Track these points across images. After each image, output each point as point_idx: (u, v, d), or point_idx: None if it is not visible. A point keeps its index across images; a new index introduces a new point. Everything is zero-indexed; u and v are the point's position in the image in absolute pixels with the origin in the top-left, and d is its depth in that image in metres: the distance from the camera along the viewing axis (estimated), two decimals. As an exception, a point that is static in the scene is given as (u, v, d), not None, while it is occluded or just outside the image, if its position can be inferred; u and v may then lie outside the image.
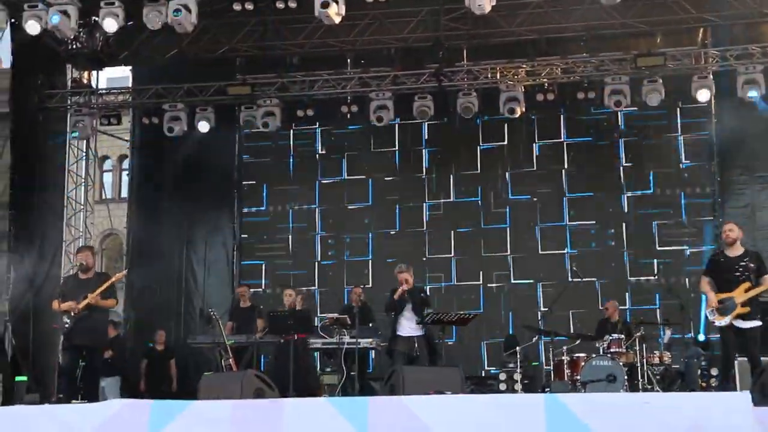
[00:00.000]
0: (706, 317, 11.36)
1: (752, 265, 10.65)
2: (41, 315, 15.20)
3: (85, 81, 17.91)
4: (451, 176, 17.45)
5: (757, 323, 10.64)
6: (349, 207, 17.67)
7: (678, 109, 16.77)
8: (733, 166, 16.21)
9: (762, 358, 10.63)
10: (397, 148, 17.77)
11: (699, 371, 13.35)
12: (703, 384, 13.19)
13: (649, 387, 12.29)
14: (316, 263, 17.56)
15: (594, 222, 16.87)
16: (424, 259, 16.96)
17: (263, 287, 17.38)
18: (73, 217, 17.79)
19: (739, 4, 15.61)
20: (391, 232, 17.46)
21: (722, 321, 10.70)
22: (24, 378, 13.86)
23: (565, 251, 16.73)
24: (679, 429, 7.38)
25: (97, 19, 14.75)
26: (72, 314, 11.26)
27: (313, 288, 17.07)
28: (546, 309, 14.74)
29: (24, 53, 16.34)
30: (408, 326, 12.34)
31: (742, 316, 10.59)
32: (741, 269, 10.64)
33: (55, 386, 12.80)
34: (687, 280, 15.98)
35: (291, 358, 11.95)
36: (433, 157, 17.65)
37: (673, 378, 13.32)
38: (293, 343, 12.33)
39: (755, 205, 16.06)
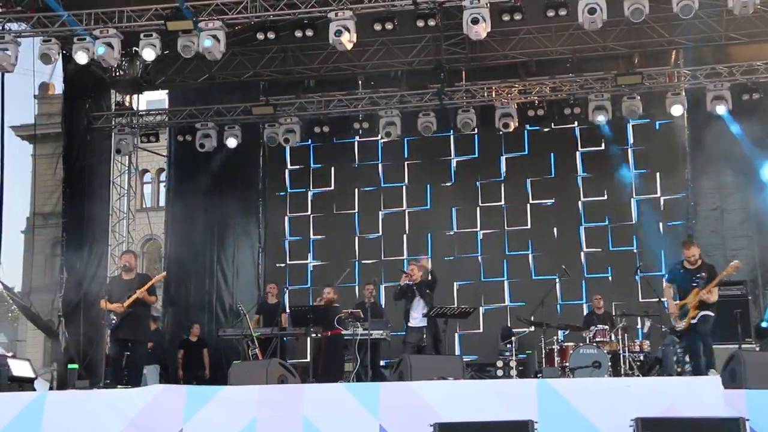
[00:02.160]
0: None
1: (705, 275, 10.99)
2: (90, 311, 15.28)
3: (127, 104, 18.04)
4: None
5: (708, 313, 11.04)
6: (361, 213, 17.63)
7: (655, 121, 16.71)
8: (703, 173, 16.16)
9: (722, 346, 10.79)
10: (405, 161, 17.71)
11: (675, 358, 13.28)
12: (678, 369, 13.11)
13: (630, 372, 12.27)
14: (330, 264, 17.49)
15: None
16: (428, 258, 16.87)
17: (286, 285, 17.36)
18: (117, 224, 17.86)
19: (707, 28, 15.58)
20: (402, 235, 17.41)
21: (680, 325, 11.25)
22: (75, 366, 13.93)
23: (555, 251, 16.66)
24: (657, 409, 7.38)
25: (137, 49, 14.83)
26: (118, 312, 11.31)
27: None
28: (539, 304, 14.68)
29: (74, 80, 16.50)
30: (417, 317, 12.31)
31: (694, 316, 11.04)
32: (697, 280, 10.98)
33: (103, 374, 12.80)
34: (664, 277, 15.93)
35: (321, 350, 11.96)
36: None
37: (652, 364, 13.28)
38: (326, 337, 12.38)
39: (724, 208, 16.01)
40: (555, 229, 16.86)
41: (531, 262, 16.80)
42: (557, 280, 15.34)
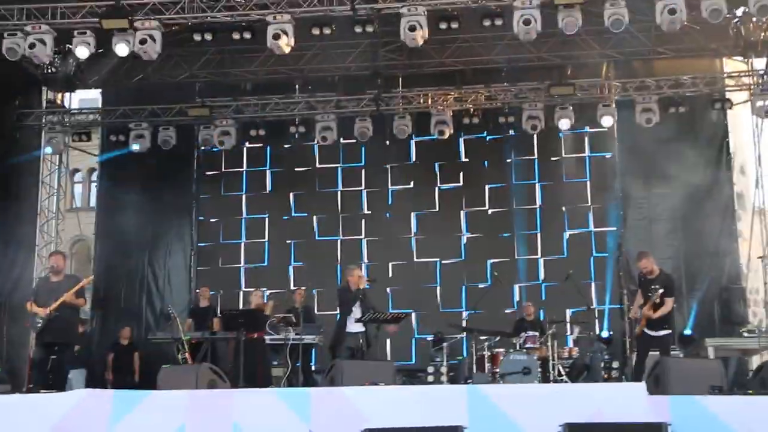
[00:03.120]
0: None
1: (658, 287, 11.02)
2: (14, 313, 14.89)
3: (58, 102, 17.70)
4: (389, 191, 17.40)
5: (666, 332, 11.12)
6: (295, 216, 17.53)
7: (586, 132, 16.94)
8: (633, 182, 16.44)
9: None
10: (340, 164, 17.68)
11: (602, 364, 13.50)
12: (606, 375, 13.33)
13: (559, 378, 12.39)
14: (265, 268, 17.39)
15: (512, 234, 16.91)
16: (363, 263, 16.88)
17: (218, 289, 17.15)
18: (46, 224, 17.48)
19: (637, 42, 15.88)
20: (334, 239, 17.34)
21: (636, 330, 11.31)
22: (-3, 370, 13.60)
23: (487, 260, 16.78)
24: (585, 415, 7.46)
25: (70, 46, 14.50)
26: (44, 315, 11.02)
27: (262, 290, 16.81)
28: (471, 311, 14.76)
29: (3, 76, 16.01)
30: (354, 323, 12.24)
31: (651, 326, 11.05)
32: (652, 290, 11.03)
33: (27, 377, 12.49)
34: (593, 284, 16.17)
35: (242, 354, 11.82)
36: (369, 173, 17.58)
37: (580, 370, 13.45)
38: (250, 340, 12.23)
39: (652, 217, 16.32)
40: (487, 236, 16.94)
41: (464, 268, 16.85)
42: (489, 286, 15.44)
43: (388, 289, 16.62)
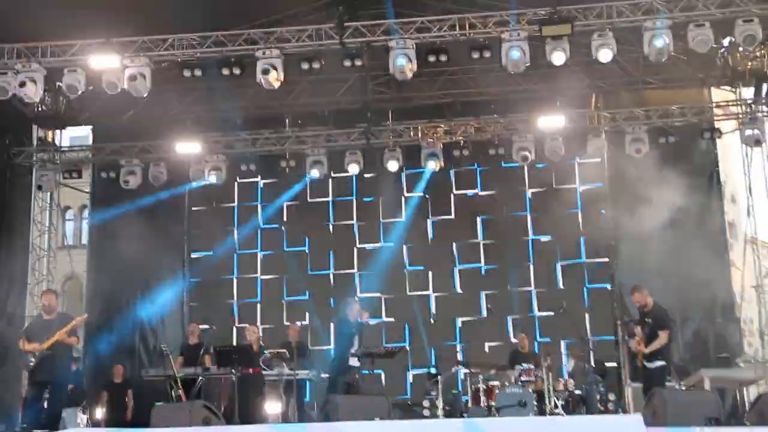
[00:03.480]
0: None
1: (650, 320, 11.20)
2: (7, 352, 14.78)
3: (49, 139, 17.71)
4: (380, 224, 17.42)
5: (659, 363, 11.19)
6: (287, 251, 17.50)
7: (576, 163, 17.00)
8: (624, 213, 16.45)
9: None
10: (330, 198, 17.69)
11: (598, 396, 13.41)
12: (602, 408, 13.24)
13: (556, 411, 12.31)
14: (258, 303, 17.34)
15: (501, 266, 16.92)
16: (357, 297, 16.83)
17: (210, 325, 17.06)
18: (37, 261, 17.42)
19: (625, 73, 16.02)
20: (326, 273, 17.32)
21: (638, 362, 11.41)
22: (-10, 409, 13.48)
23: (480, 291, 16.77)
24: (581, 448, 7.44)
25: (60, 84, 14.56)
26: (37, 353, 10.94)
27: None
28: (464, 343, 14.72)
29: (-6, 115, 16.08)
30: (352, 358, 12.19)
31: (647, 358, 11.15)
32: (645, 323, 11.21)
33: (19, 417, 12.37)
34: (587, 315, 16.15)
35: (237, 390, 11.74)
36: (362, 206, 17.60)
37: (576, 402, 13.37)
38: (246, 376, 12.16)
39: (643, 248, 16.26)
40: (482, 269, 16.93)
41: (457, 301, 16.83)
42: (486, 317, 15.41)
43: (384, 323, 16.59)
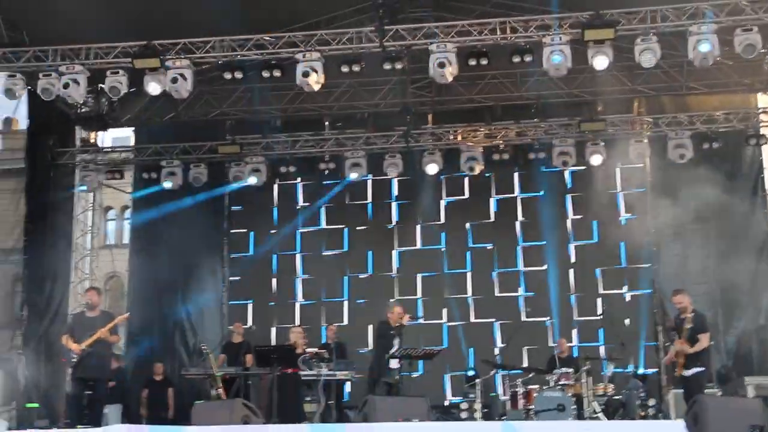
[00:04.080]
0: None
1: (691, 325, 10.96)
2: (51, 349, 15.03)
3: (92, 140, 17.99)
4: (418, 227, 17.45)
5: (697, 369, 10.93)
6: (325, 253, 17.60)
7: (617, 168, 16.91)
8: (666, 219, 16.32)
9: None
10: (370, 200, 17.76)
11: (638, 401, 13.34)
12: (642, 413, 13.17)
13: (594, 416, 12.28)
14: (297, 303, 17.45)
15: (540, 270, 16.89)
16: (392, 300, 16.88)
17: (249, 324, 17.23)
18: (80, 261, 17.66)
19: (668, 78, 15.91)
20: (363, 277, 17.39)
21: (677, 372, 11.17)
22: (35, 405, 13.68)
23: (519, 294, 16.76)
24: (621, 453, 7.41)
25: (103, 86, 14.78)
26: (80, 350, 11.13)
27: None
28: (503, 345, 14.69)
29: (38, 116, 16.37)
30: (392, 360, 12.24)
31: (686, 365, 10.94)
32: (683, 329, 10.98)
33: (63, 413, 12.58)
34: (627, 320, 16.04)
35: (275, 389, 11.82)
36: (401, 209, 17.63)
37: (616, 407, 13.32)
38: (284, 376, 12.24)
39: (686, 254, 16.16)
40: (521, 273, 16.90)
41: (495, 305, 16.81)
42: (522, 322, 15.38)
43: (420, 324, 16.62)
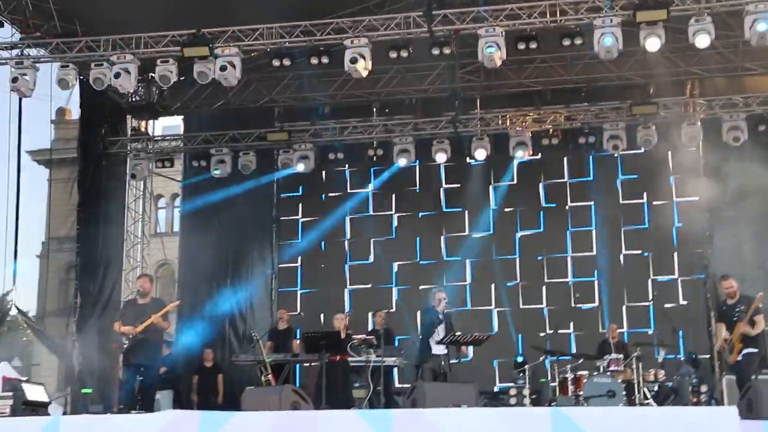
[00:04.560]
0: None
1: (743, 307, 10.92)
2: (104, 335, 15.30)
3: (142, 129, 18.20)
4: (467, 212, 17.42)
5: (751, 350, 10.93)
6: (375, 239, 17.66)
7: (669, 151, 16.67)
8: (720, 203, 16.07)
9: None
10: (418, 186, 17.76)
11: (690, 387, 13.21)
12: (694, 399, 13.04)
13: (645, 402, 12.19)
14: (345, 290, 17.54)
15: (589, 255, 16.76)
16: (442, 286, 16.86)
17: (298, 311, 17.38)
18: (132, 248, 17.92)
19: (722, 59, 15.62)
20: (410, 263, 17.41)
21: (730, 360, 11.15)
22: (89, 390, 13.94)
23: (568, 279, 16.65)
24: (672, 440, 7.34)
25: (153, 75, 14.95)
26: (131, 336, 11.33)
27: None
28: (551, 331, 14.61)
29: (90, 106, 16.63)
30: (437, 345, 12.26)
31: (740, 350, 10.91)
32: (737, 314, 10.97)
33: (116, 398, 12.83)
34: (679, 305, 15.86)
35: (324, 375, 11.91)
36: (449, 195, 17.61)
37: (667, 394, 13.20)
38: (332, 362, 12.33)
39: (740, 238, 15.89)
40: (569, 258, 16.80)
41: (544, 290, 16.74)
42: (571, 308, 15.29)
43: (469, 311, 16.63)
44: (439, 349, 12.05)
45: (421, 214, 17.61)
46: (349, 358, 12.92)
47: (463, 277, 17.08)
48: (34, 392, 10.93)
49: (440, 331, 12.09)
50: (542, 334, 15.94)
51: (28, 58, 14.45)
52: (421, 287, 16.51)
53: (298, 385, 13.71)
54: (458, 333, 12.28)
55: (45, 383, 12.01)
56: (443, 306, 12.29)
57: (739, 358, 10.85)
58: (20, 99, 14.86)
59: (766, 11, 12.58)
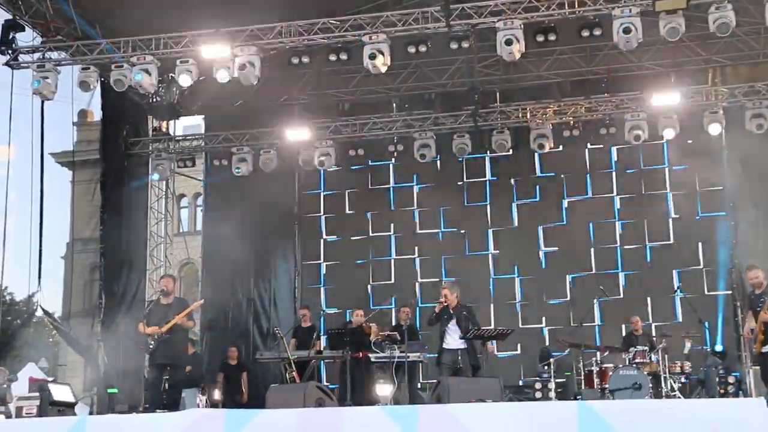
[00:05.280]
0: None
1: (767, 299, 10.67)
2: (129, 335, 15.36)
3: (164, 129, 18.29)
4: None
5: None
6: (396, 235, 17.65)
7: (691, 141, 16.52)
8: (743, 191, 15.94)
9: None
10: (437, 182, 17.72)
11: (717, 379, 13.11)
12: (722, 391, 12.94)
13: (672, 394, 12.10)
14: (369, 286, 17.54)
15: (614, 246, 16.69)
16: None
17: (322, 308, 17.41)
18: (155, 248, 18.00)
19: (744, 46, 15.47)
20: (431, 258, 17.39)
21: (755, 350, 10.86)
22: (115, 390, 14.02)
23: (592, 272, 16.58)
24: (701, 432, 7.28)
25: (173, 75, 15.01)
26: (156, 336, 11.38)
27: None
28: (576, 324, 14.54)
29: (112, 107, 16.71)
30: (452, 340, 12.18)
31: (764, 341, 10.63)
32: (761, 303, 10.68)
33: (142, 398, 12.90)
34: (704, 297, 15.74)
35: (349, 373, 11.93)
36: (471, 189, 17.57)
37: (694, 386, 13.11)
38: (355, 359, 12.33)
39: (765, 228, 15.73)
40: (592, 250, 16.72)
41: (567, 283, 16.67)
42: (595, 301, 15.21)
43: (492, 306, 16.60)
44: (453, 344, 11.97)
45: (443, 209, 17.54)
46: (373, 355, 12.93)
47: (486, 270, 17.02)
48: (60, 392, 11.00)
49: (452, 326, 11.98)
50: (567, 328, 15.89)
51: (50, 61, 14.55)
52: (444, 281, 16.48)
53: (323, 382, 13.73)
54: (482, 327, 12.21)
55: (71, 383, 12.06)
56: (451, 300, 12.18)
57: (764, 350, 10.68)
58: (42, 102, 14.95)
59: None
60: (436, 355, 12.30)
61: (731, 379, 12.96)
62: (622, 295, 16.27)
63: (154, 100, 17.42)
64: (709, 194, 16.39)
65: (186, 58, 14.38)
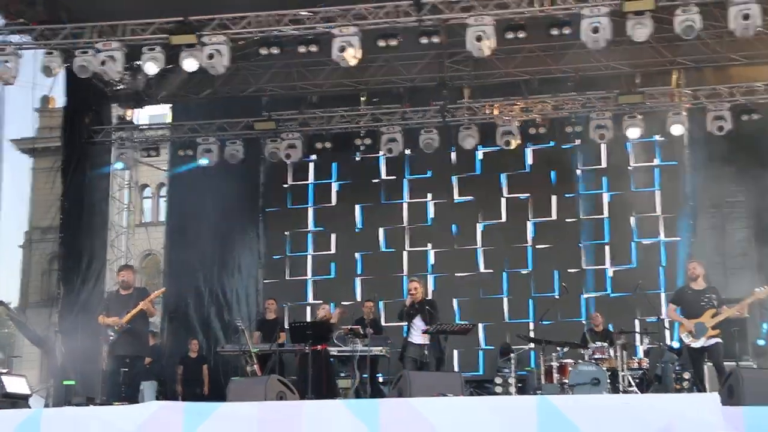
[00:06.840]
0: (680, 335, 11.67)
1: (713, 296, 11.23)
2: (87, 326, 15.27)
3: (128, 118, 18.07)
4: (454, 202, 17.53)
5: (719, 340, 11.20)
6: (358, 230, 17.74)
7: (654, 140, 16.78)
8: (702, 190, 16.23)
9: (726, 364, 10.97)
10: (406, 176, 17.83)
11: (673, 375, 13.35)
12: (677, 386, 13.17)
13: (629, 389, 12.31)
14: (332, 280, 17.58)
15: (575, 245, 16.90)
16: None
17: (285, 302, 17.40)
18: (116, 239, 17.89)
19: (708, 49, 15.72)
20: (400, 252, 17.50)
21: (697, 343, 11.27)
22: (72, 382, 13.91)
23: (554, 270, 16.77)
24: (655, 426, 7.42)
25: (139, 63, 14.90)
26: (116, 327, 11.34)
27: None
28: (538, 321, 14.72)
29: (75, 93, 16.53)
30: (418, 334, 12.31)
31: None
32: (705, 300, 11.21)
33: (100, 390, 12.86)
34: (663, 294, 15.98)
35: (310, 366, 11.97)
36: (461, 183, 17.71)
37: (650, 381, 13.34)
38: (315, 352, 12.37)
39: (724, 227, 16.06)
40: (555, 247, 16.91)
41: (531, 279, 16.85)
42: (557, 297, 15.39)
43: (455, 301, 16.71)
44: (418, 338, 12.10)
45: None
46: (335, 348, 12.99)
47: (448, 267, 17.15)
48: (14, 384, 10.82)
49: (418, 320, 12.11)
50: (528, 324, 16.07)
51: (11, 44, 14.33)
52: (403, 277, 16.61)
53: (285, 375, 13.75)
54: (439, 322, 12.35)
55: (27, 375, 11.93)
56: (416, 295, 12.30)
57: (707, 344, 11.05)
58: (2, 86, 14.77)
59: (750, 2, 12.62)
60: (400, 349, 12.42)
61: (686, 375, 13.17)
62: (584, 291, 16.47)
63: (119, 87, 17.26)
64: (670, 193, 16.65)
65: (153, 46, 14.21)
